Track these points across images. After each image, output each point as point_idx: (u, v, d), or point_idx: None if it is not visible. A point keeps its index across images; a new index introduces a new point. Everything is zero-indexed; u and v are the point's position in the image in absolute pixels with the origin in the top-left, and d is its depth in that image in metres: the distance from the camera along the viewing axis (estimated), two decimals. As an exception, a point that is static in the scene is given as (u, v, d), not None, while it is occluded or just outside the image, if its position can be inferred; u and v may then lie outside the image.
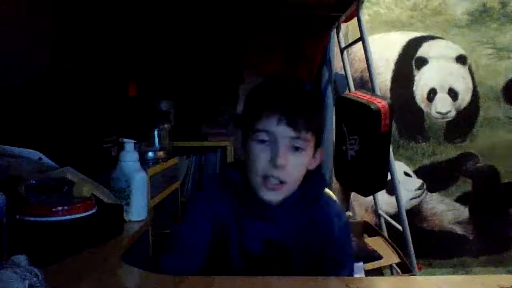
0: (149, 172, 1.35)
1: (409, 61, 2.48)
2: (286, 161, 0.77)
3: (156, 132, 1.67)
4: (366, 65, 1.79)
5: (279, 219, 0.84)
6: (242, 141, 0.85)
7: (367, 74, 1.95)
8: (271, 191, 0.81)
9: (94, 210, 1.03)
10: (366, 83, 2.40)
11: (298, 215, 0.86)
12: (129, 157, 1.23)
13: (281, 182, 0.80)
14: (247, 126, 0.82)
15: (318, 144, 0.85)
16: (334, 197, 1.19)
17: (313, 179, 0.87)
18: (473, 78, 2.50)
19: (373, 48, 1.84)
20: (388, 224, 2.20)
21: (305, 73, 2.33)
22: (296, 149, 0.80)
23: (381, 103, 1.45)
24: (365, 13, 2.35)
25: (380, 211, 2.29)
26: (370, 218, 2.44)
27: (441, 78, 2.49)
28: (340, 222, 0.90)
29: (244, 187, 0.85)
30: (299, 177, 0.83)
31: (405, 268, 1.81)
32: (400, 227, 1.82)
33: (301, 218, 0.86)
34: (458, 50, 2.48)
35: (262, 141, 0.79)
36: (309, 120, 0.80)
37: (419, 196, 2.53)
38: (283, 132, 0.77)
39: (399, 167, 2.45)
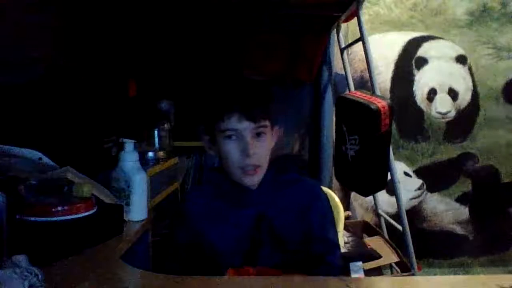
0: (149, 172, 1.35)
1: (409, 61, 2.48)
2: (254, 149, 0.92)
3: (156, 132, 1.67)
4: (366, 65, 1.79)
5: (261, 201, 0.98)
6: (210, 141, 0.99)
7: (367, 74, 1.95)
8: (249, 177, 0.95)
9: (94, 210, 1.03)
10: (366, 83, 2.39)
11: (279, 193, 1.00)
12: (129, 157, 1.23)
13: (255, 167, 0.95)
14: (212, 128, 0.95)
15: (272, 126, 0.99)
16: (331, 192, 1.28)
17: (285, 163, 1.02)
18: (473, 78, 2.49)
19: (373, 48, 1.83)
20: (388, 224, 2.20)
21: (305, 73, 2.34)
22: (258, 135, 0.93)
23: (381, 103, 1.45)
24: (365, 13, 2.35)
25: (380, 211, 2.29)
26: (370, 218, 2.44)
27: (441, 78, 2.49)
28: (319, 197, 1.05)
29: (226, 183, 0.99)
30: (267, 158, 0.98)
31: (405, 268, 1.81)
32: (400, 227, 1.82)
33: (283, 196, 1.01)
34: (458, 50, 2.48)
35: (229, 137, 0.92)
36: (264, 110, 0.94)
37: (419, 196, 2.53)
38: (246, 126, 0.91)
39: (399, 167, 2.45)
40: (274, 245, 0.97)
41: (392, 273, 2.07)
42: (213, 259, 0.97)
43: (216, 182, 1.03)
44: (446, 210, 2.55)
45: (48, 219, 0.94)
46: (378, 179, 1.55)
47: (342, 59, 2.20)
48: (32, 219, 0.93)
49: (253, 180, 0.96)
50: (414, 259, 1.79)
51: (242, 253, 0.96)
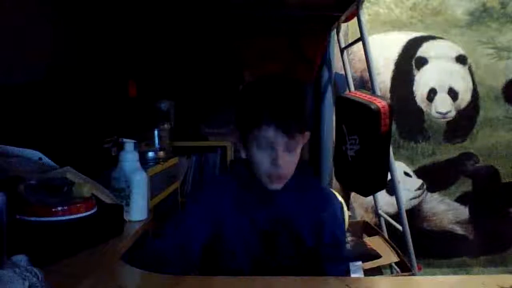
0: (149, 172, 1.35)
1: (409, 61, 2.48)
2: (283, 161, 0.92)
3: (156, 132, 1.67)
4: (366, 65, 1.79)
5: (283, 201, 0.99)
6: (242, 141, 0.98)
7: (367, 74, 1.95)
8: (274, 184, 0.96)
9: (94, 210, 1.03)
10: (366, 83, 2.40)
11: (299, 197, 1.01)
12: (129, 157, 1.23)
13: (282, 175, 0.96)
14: (246, 130, 0.94)
15: (304, 133, 0.99)
16: (336, 193, 1.35)
17: (303, 172, 1.02)
18: (473, 78, 2.50)
19: (373, 48, 1.83)
20: (388, 224, 2.20)
21: (305, 73, 2.34)
22: (290, 146, 0.93)
23: (381, 103, 1.44)
24: (365, 13, 2.35)
25: (380, 211, 2.29)
26: (370, 218, 2.44)
27: (441, 78, 2.49)
28: (333, 204, 1.08)
29: (250, 180, 0.99)
30: (294, 166, 0.98)
31: (405, 267, 1.81)
32: (400, 227, 1.82)
33: (302, 198, 1.01)
34: (458, 50, 2.48)
35: (262, 145, 0.92)
36: (299, 125, 0.93)
37: (419, 196, 2.53)
38: (280, 138, 0.91)
39: (399, 167, 2.45)
40: (291, 243, 0.98)
41: (392, 273, 2.07)
42: (229, 251, 0.97)
43: (240, 174, 1.03)
44: (446, 210, 2.55)
45: (48, 219, 0.94)
46: (378, 179, 1.54)
47: (342, 59, 2.20)
48: (32, 219, 0.93)
49: (277, 186, 0.97)
50: (414, 259, 1.79)
51: (258, 248, 0.97)
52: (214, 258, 0.99)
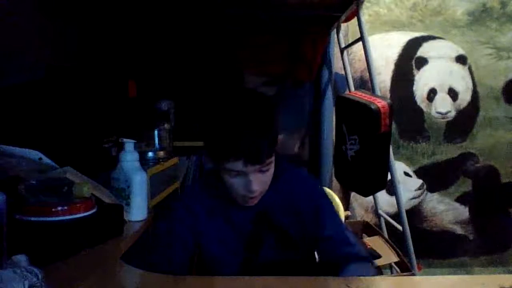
0: (149, 172, 1.35)
1: (409, 61, 2.48)
2: (257, 184, 0.91)
3: (156, 132, 1.67)
4: (366, 65, 1.79)
5: (261, 199, 0.98)
6: (213, 162, 0.96)
7: (367, 74, 1.95)
8: (248, 203, 0.96)
9: (94, 210, 1.03)
10: (366, 83, 2.40)
11: (273, 187, 1.00)
12: (129, 157, 1.23)
13: (256, 196, 0.95)
14: (217, 160, 0.92)
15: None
16: (331, 192, 1.29)
17: (277, 163, 0.98)
18: (473, 78, 2.50)
19: (373, 48, 1.83)
20: (388, 224, 2.20)
21: (305, 73, 2.34)
22: (263, 169, 0.91)
23: (381, 103, 1.44)
24: (365, 13, 2.36)
25: (380, 211, 2.29)
26: (370, 218, 2.44)
27: (441, 78, 2.49)
28: (314, 187, 1.08)
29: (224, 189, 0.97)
30: (270, 180, 0.96)
31: (405, 267, 1.81)
32: (400, 227, 1.82)
33: (276, 189, 1.00)
34: (458, 50, 2.48)
35: (232, 174, 0.91)
36: (269, 151, 0.90)
37: (419, 196, 2.53)
38: (250, 168, 0.89)
39: (399, 167, 2.46)
40: (276, 239, 0.98)
41: (392, 273, 2.07)
42: (215, 256, 0.97)
43: (215, 183, 1.02)
44: (446, 210, 2.55)
45: (48, 219, 0.94)
46: (378, 179, 1.54)
47: (342, 59, 2.20)
48: (32, 219, 0.93)
49: (253, 203, 0.97)
50: (414, 259, 1.79)
51: (243, 251, 0.98)
52: (201, 266, 0.99)
